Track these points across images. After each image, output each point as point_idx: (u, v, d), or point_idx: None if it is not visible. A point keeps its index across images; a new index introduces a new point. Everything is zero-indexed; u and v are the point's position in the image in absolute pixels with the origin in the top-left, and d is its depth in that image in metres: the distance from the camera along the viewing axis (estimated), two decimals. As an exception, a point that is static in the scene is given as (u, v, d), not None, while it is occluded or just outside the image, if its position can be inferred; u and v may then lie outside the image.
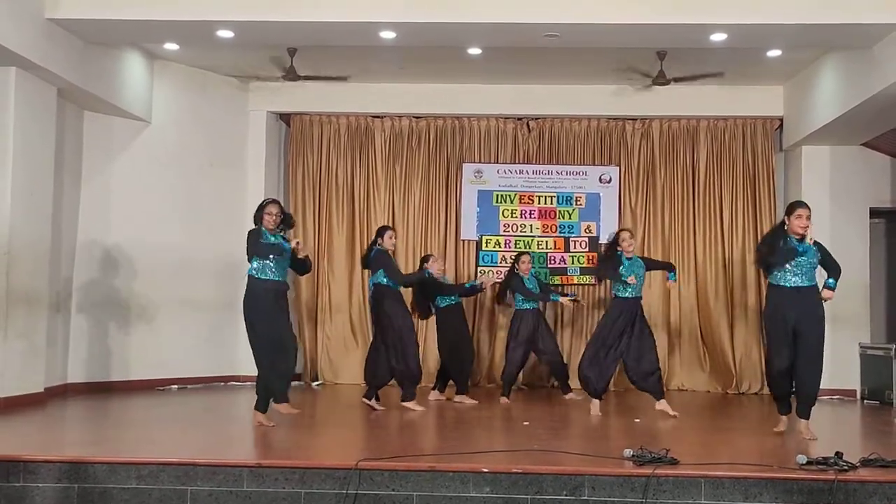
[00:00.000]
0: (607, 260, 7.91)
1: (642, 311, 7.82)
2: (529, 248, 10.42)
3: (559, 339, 10.06)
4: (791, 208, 6.46)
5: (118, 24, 7.78)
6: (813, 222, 6.48)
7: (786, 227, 6.40)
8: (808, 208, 6.41)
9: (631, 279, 7.53)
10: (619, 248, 7.75)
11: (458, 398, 8.59)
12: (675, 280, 8.05)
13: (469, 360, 8.90)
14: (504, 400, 8.70)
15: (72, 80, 8.06)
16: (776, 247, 6.39)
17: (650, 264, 8.13)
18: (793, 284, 6.35)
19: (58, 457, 5.09)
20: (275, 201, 6.75)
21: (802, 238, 6.33)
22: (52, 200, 8.25)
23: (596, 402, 7.77)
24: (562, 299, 9.02)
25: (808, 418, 6.40)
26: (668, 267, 8.23)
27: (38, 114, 7.91)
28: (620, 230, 8.19)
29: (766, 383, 9.91)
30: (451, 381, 8.89)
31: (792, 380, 6.47)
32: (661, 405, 7.74)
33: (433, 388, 8.97)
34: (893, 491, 4.76)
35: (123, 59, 9.00)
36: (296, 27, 7.82)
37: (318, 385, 10.38)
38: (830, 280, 6.41)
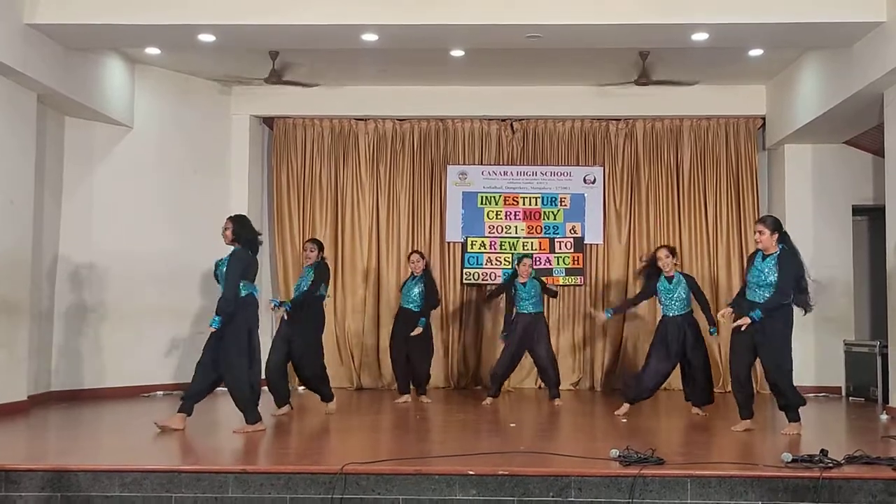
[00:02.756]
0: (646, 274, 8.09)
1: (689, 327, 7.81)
2: (514, 249, 10.42)
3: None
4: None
5: (98, 28, 7.73)
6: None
7: None
8: (761, 221, 6.56)
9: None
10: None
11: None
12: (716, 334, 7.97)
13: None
14: (488, 400, 8.71)
15: (52, 85, 8.00)
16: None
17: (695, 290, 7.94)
18: (750, 298, 6.52)
19: (40, 465, 5.04)
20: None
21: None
22: (33, 208, 8.18)
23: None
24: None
25: (797, 420, 6.52)
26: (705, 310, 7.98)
27: (17, 120, 7.85)
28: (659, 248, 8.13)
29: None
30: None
31: (752, 384, 6.71)
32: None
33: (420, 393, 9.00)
34: (878, 488, 4.77)
35: (104, 65, 8.95)
36: (277, 31, 7.80)
37: (304, 389, 10.32)
38: (756, 312, 6.39)
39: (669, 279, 7.80)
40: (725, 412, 8.35)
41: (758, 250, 6.54)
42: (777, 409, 6.77)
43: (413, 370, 8.90)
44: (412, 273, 8.94)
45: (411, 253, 9.24)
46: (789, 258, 6.40)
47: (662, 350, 7.74)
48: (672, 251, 7.92)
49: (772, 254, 6.43)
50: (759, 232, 6.45)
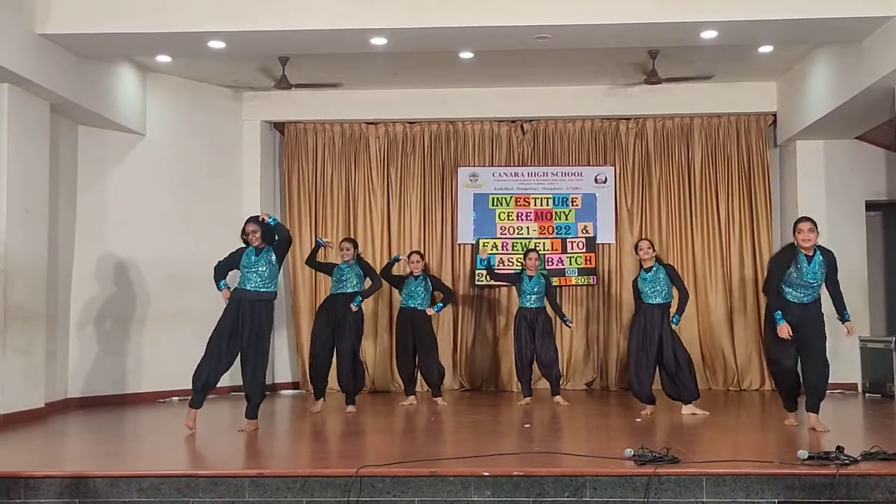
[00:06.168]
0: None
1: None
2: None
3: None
4: (794, 224, 6.59)
5: (109, 37, 7.79)
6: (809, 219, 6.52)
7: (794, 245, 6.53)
8: (810, 220, 6.49)
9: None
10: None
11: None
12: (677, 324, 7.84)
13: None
14: (526, 400, 8.70)
15: (65, 94, 8.06)
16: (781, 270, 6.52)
17: (673, 279, 7.91)
18: (798, 300, 6.50)
19: (58, 472, 5.08)
20: (250, 219, 6.99)
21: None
22: (49, 216, 8.25)
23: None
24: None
25: (817, 412, 6.54)
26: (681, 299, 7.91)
27: (31, 130, 7.91)
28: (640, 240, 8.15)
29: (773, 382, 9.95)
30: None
31: (799, 378, 6.68)
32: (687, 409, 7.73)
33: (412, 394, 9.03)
34: (895, 484, 4.75)
35: (116, 73, 9.01)
36: (286, 36, 7.83)
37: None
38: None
39: (648, 270, 7.78)
40: (738, 410, 8.34)
41: (797, 251, 6.48)
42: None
43: (424, 370, 8.89)
44: (412, 273, 8.96)
45: (411, 253, 9.22)
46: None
47: (639, 336, 7.70)
48: (651, 243, 7.96)
49: (813, 255, 6.45)
50: (811, 231, 6.40)
